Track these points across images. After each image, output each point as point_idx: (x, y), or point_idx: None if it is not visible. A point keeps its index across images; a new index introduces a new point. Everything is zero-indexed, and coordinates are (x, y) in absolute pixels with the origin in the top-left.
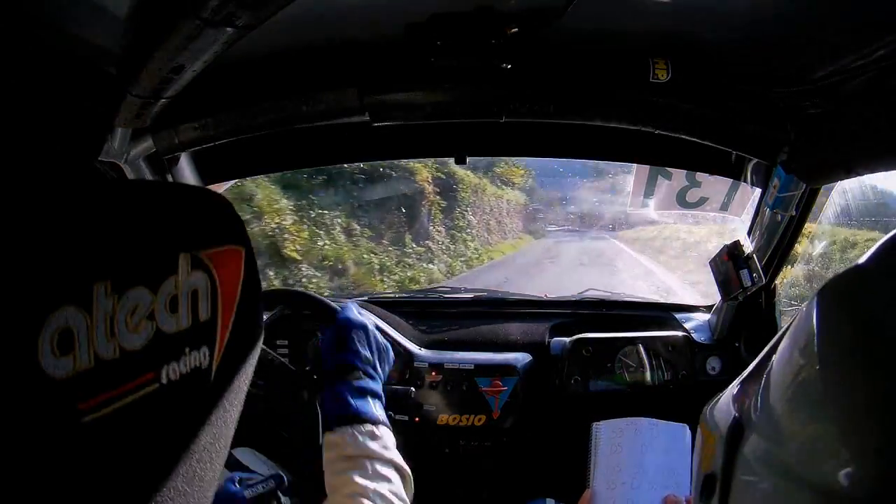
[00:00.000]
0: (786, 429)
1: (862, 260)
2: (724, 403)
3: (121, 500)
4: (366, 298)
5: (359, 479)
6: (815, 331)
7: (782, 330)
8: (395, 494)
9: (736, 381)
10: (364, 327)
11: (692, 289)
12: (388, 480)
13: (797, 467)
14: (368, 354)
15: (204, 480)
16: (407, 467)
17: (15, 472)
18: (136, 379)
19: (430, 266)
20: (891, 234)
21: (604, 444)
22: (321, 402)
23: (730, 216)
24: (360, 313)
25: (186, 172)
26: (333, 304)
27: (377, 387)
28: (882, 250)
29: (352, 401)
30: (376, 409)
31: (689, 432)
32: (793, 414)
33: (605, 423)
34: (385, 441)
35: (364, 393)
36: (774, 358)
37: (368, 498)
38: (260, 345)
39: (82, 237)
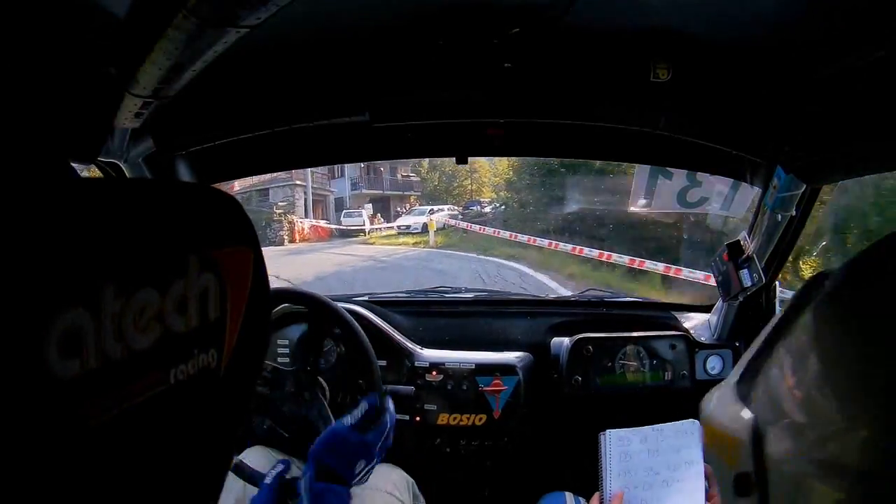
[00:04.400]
0: (815, 425)
1: (854, 260)
2: (731, 402)
3: (128, 501)
4: (366, 298)
5: None
6: (827, 332)
7: (773, 322)
8: None
9: (734, 377)
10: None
11: None
12: None
13: (830, 457)
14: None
15: (211, 480)
16: None
17: (22, 473)
18: (144, 379)
19: None
20: (885, 236)
21: (613, 452)
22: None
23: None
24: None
25: (185, 172)
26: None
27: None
28: (875, 251)
29: None
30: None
31: (699, 426)
32: (819, 410)
33: (610, 431)
34: None
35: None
36: (782, 361)
37: None
38: (268, 345)
39: (89, 237)
